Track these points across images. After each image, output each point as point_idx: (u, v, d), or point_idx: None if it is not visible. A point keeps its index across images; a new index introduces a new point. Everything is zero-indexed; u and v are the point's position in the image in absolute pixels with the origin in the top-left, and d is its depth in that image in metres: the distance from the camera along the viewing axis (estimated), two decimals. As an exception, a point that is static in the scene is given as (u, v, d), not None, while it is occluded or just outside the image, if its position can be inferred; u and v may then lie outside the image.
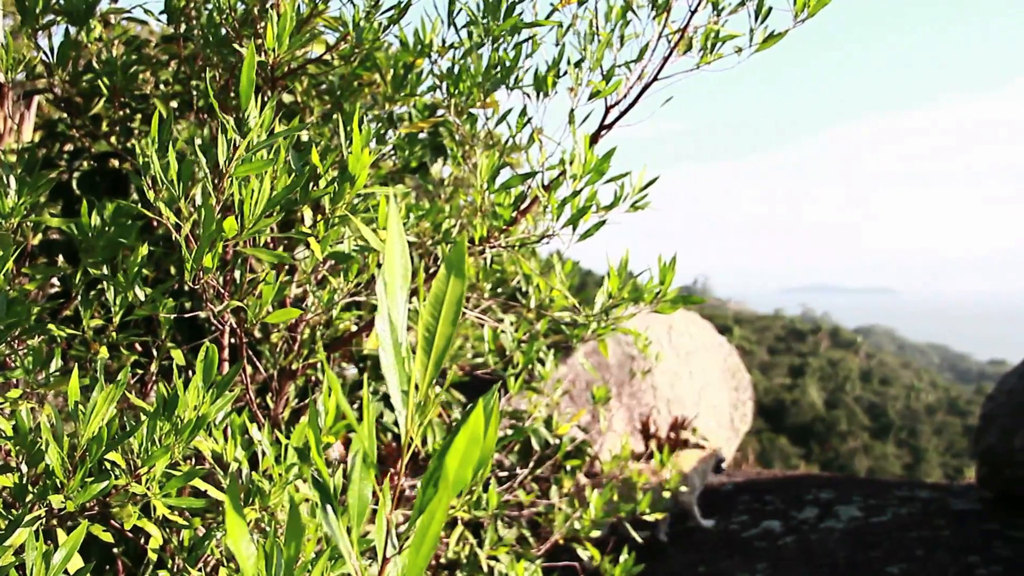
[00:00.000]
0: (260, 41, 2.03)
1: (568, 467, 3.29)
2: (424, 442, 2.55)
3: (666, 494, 3.07)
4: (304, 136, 2.57)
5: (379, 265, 2.28)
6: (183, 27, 2.39)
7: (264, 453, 1.78)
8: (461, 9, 2.16)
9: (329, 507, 0.75)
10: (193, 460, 2.07)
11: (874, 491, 5.22)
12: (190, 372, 2.03)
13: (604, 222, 2.05)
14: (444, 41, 2.27)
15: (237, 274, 1.91)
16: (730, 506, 5.17)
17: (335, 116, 2.54)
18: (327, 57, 2.38)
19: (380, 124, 2.46)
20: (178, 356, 2.01)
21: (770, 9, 2.04)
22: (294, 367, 2.36)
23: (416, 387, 0.71)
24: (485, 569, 2.75)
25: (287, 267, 2.40)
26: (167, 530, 1.77)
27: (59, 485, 1.48)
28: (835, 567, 4.12)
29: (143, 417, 1.56)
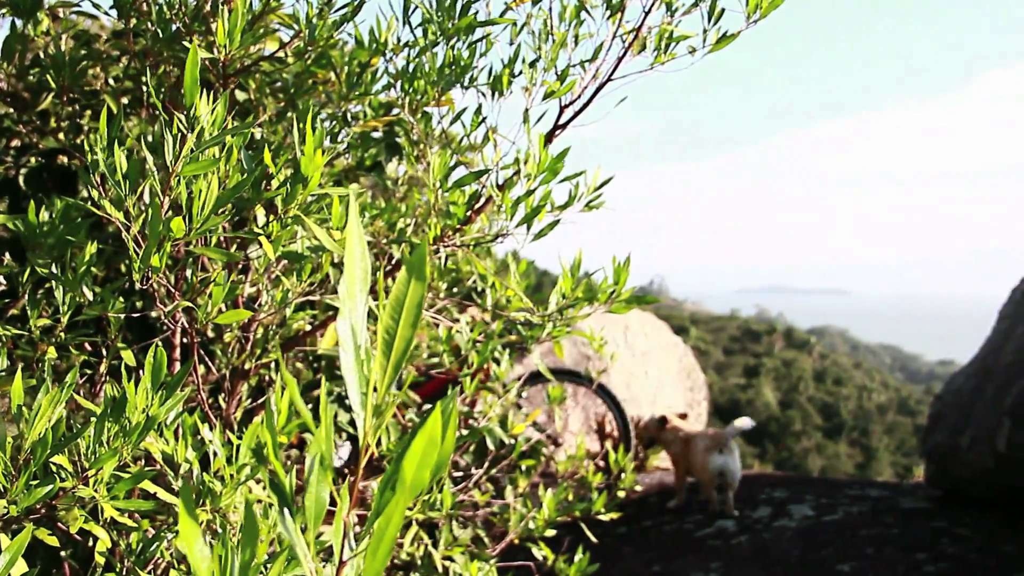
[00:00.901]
0: (213, 37, 2.01)
1: (523, 467, 3.29)
2: (378, 443, 2.54)
3: (620, 493, 3.09)
4: (258, 134, 2.55)
5: (333, 265, 2.26)
6: (134, 22, 2.36)
7: (216, 454, 1.76)
8: (416, 7, 2.15)
9: (286, 510, 0.75)
10: (143, 461, 2.04)
11: (826, 490, 5.28)
12: (140, 372, 2.00)
13: (558, 222, 2.05)
14: (399, 39, 2.26)
15: (188, 273, 1.89)
16: (684, 505, 5.20)
17: (289, 114, 2.52)
18: (281, 54, 2.36)
19: (334, 122, 2.44)
20: (128, 356, 1.98)
21: (723, 10, 2.06)
22: (247, 367, 2.33)
23: (375, 390, 0.71)
24: (440, 569, 2.75)
25: (241, 266, 2.38)
26: (115, 533, 1.74)
27: (2, 489, 1.45)
28: (788, 565, 4.16)
29: (91, 419, 1.54)
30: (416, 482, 0.63)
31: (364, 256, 0.72)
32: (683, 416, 5.33)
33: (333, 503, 0.79)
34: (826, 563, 4.10)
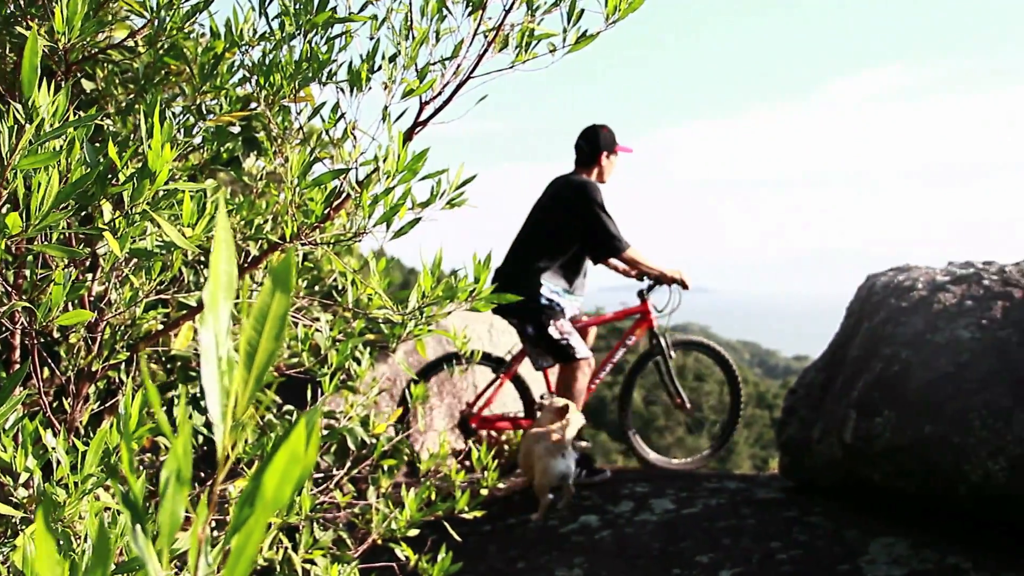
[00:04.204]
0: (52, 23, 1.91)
1: (385, 467, 3.26)
2: (234, 445, 2.46)
3: (483, 491, 3.10)
4: (106, 126, 2.44)
5: (185, 263, 2.19)
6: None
7: (59, 462, 1.68)
8: (273, -1, 2.10)
9: (139, 527, 0.71)
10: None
11: (687, 484, 5.41)
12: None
13: (419, 219, 2.03)
14: (255, 32, 2.20)
15: (28, 272, 1.79)
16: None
17: (138, 106, 2.42)
18: (131, 43, 2.27)
19: (188, 115, 2.36)
20: (-39, 359, 1.87)
21: (582, 11, 2.08)
22: (94, 368, 2.24)
23: (236, 402, 0.68)
24: (300, 573, 2.70)
25: (88, 264, 2.28)
26: (-54, 546, 1.64)
27: None
28: (649, 558, 4.25)
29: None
30: (277, 498, 0.61)
31: (231, 261, 0.70)
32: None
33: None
34: (685, 555, 4.21)
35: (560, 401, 5.10)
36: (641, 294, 6.03)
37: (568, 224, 5.53)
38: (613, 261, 5.95)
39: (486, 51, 2.13)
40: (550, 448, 4.86)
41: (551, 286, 5.52)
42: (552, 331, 5.46)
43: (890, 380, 4.21)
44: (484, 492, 3.14)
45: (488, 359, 5.94)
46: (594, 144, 5.68)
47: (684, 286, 5.91)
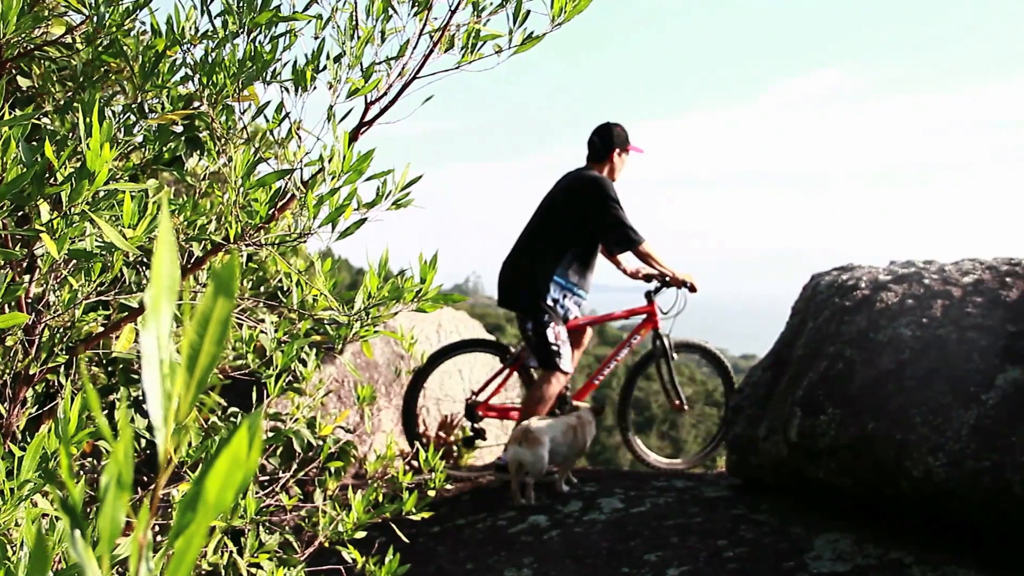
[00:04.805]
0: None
1: (332, 469, 3.24)
2: (177, 448, 2.44)
3: (431, 493, 3.08)
4: (43, 124, 2.39)
5: (126, 264, 2.16)
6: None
7: (-7, 467, 1.64)
8: (216, -4, 2.08)
9: (78, 532, 0.69)
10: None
11: (635, 483, 5.44)
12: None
13: (365, 220, 2.02)
14: (197, 29, 2.17)
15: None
16: (498, 502, 5.26)
17: (76, 104, 2.38)
18: (69, 40, 2.22)
19: (129, 114, 2.32)
20: None
21: (528, 12, 2.08)
22: (32, 372, 2.19)
23: (178, 407, 0.67)
24: (246, 577, 2.66)
25: (26, 265, 2.23)
26: None
27: None
28: (597, 558, 4.27)
29: None
30: (219, 503, 0.60)
31: (173, 263, 0.68)
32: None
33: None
34: (634, 553, 4.24)
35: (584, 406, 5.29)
36: (648, 295, 6.15)
37: (581, 219, 5.61)
38: (622, 259, 6.05)
39: (432, 51, 2.12)
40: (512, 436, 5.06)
41: (561, 283, 5.57)
42: (549, 333, 5.54)
43: (834, 378, 4.28)
44: (432, 493, 3.12)
45: (493, 347, 6.06)
46: (607, 141, 5.76)
47: (693, 289, 6.02)
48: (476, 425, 5.99)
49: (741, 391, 5.37)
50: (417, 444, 3.92)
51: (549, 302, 5.55)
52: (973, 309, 4.03)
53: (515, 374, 6.04)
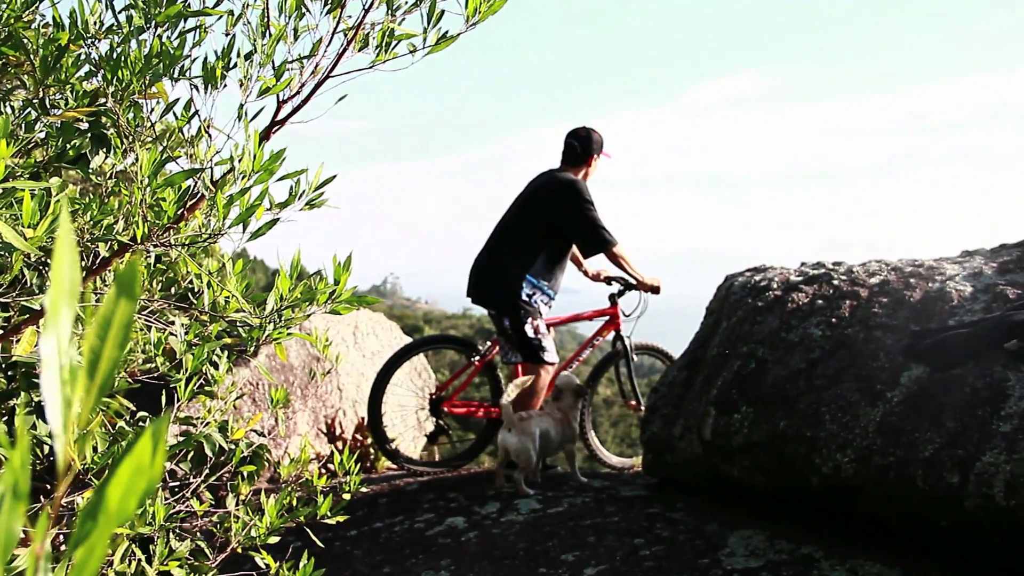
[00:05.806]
0: None
1: (245, 473, 3.18)
2: (84, 455, 2.37)
3: (346, 496, 3.05)
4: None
5: (26, 264, 2.09)
6: None
7: None
8: (122, -10, 2.02)
9: None
10: None
11: (552, 483, 5.47)
12: None
13: (277, 220, 1.99)
14: (102, 24, 2.11)
15: None
16: (415, 504, 5.23)
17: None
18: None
19: (30, 109, 2.24)
20: None
21: (442, 12, 2.07)
22: (-73, 378, 2.10)
23: (78, 413, 0.64)
24: (155, 586, 2.60)
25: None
26: None
27: None
28: (515, 559, 4.27)
29: None
30: (121, 512, 0.58)
31: (74, 264, 0.66)
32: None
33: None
34: (551, 554, 4.25)
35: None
36: (612, 298, 6.29)
37: (554, 219, 5.67)
38: (585, 263, 6.25)
39: (345, 50, 2.10)
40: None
41: (533, 282, 5.61)
42: (528, 329, 5.61)
43: (747, 377, 4.35)
44: (347, 496, 3.09)
45: (459, 343, 6.09)
46: (587, 146, 5.86)
47: (656, 292, 6.13)
48: (440, 422, 6.01)
49: (656, 390, 5.43)
50: (332, 447, 3.87)
51: (524, 298, 5.60)
52: (879, 309, 4.14)
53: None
